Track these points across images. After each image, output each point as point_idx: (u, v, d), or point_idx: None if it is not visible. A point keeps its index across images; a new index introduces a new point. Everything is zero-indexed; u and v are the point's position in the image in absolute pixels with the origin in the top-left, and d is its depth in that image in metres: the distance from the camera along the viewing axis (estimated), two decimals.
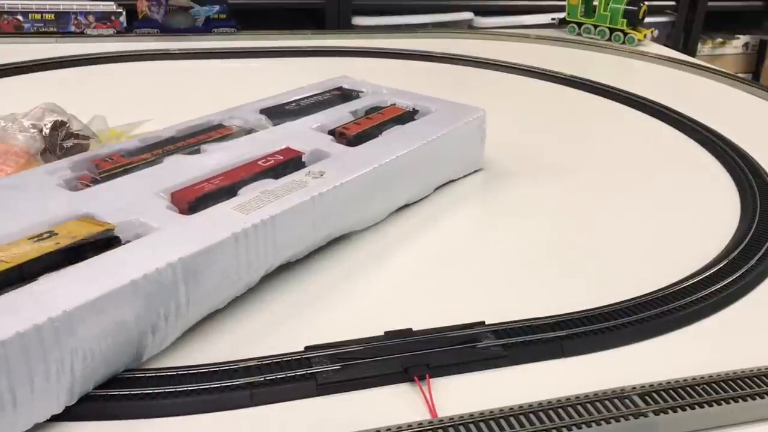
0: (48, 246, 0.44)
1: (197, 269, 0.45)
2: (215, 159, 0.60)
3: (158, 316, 0.43)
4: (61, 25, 1.32)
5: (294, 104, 0.76)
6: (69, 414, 0.39)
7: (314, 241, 0.57)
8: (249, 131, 0.68)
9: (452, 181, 0.73)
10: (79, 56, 1.16)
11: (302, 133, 0.66)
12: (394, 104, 0.76)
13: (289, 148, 0.63)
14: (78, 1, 1.33)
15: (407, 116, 0.73)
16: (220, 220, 0.49)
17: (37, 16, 1.31)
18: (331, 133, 0.68)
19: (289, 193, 0.54)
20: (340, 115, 0.72)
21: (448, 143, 0.69)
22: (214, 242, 0.46)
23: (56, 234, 0.45)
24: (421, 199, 0.68)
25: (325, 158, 0.61)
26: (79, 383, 0.40)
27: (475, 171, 0.75)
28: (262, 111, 0.73)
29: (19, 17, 1.30)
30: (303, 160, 0.62)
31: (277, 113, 0.73)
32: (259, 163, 0.60)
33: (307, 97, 0.79)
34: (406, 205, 0.67)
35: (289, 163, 0.60)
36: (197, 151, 0.62)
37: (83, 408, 0.40)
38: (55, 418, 0.39)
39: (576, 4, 1.46)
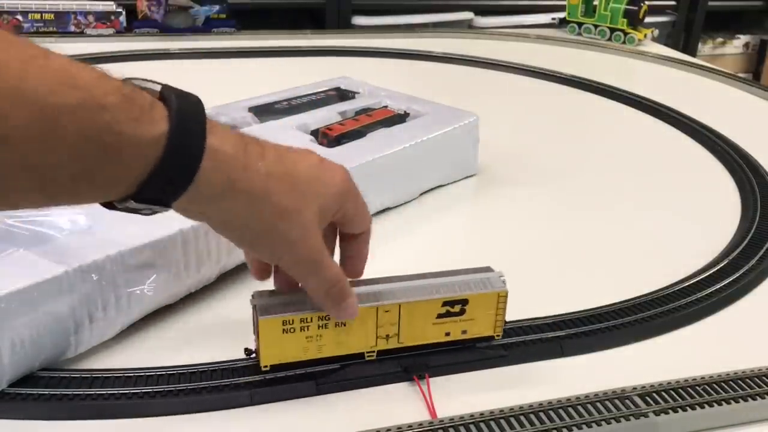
0: None
1: (139, 264, 0.44)
2: None
3: (96, 308, 0.43)
4: (60, 24, 1.32)
5: (285, 103, 0.75)
6: (71, 415, 0.39)
7: None
8: (232, 128, 0.67)
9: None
10: (78, 56, 1.15)
11: (283, 132, 0.65)
12: (386, 106, 0.75)
13: None
14: (78, 1, 1.33)
15: (397, 119, 0.72)
16: (170, 216, 0.48)
17: (37, 16, 1.31)
18: (314, 133, 0.66)
19: None
20: (327, 115, 0.71)
21: (433, 147, 0.67)
22: (159, 238, 0.45)
23: None
24: (408, 202, 0.67)
25: None
26: (8, 370, 0.40)
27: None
28: (251, 109, 0.72)
29: (19, 17, 1.30)
30: None
31: (266, 111, 0.72)
32: None
33: (299, 97, 0.77)
34: (401, 206, 0.67)
35: None
36: None
37: (83, 407, 0.40)
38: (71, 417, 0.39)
39: (576, 4, 1.46)
